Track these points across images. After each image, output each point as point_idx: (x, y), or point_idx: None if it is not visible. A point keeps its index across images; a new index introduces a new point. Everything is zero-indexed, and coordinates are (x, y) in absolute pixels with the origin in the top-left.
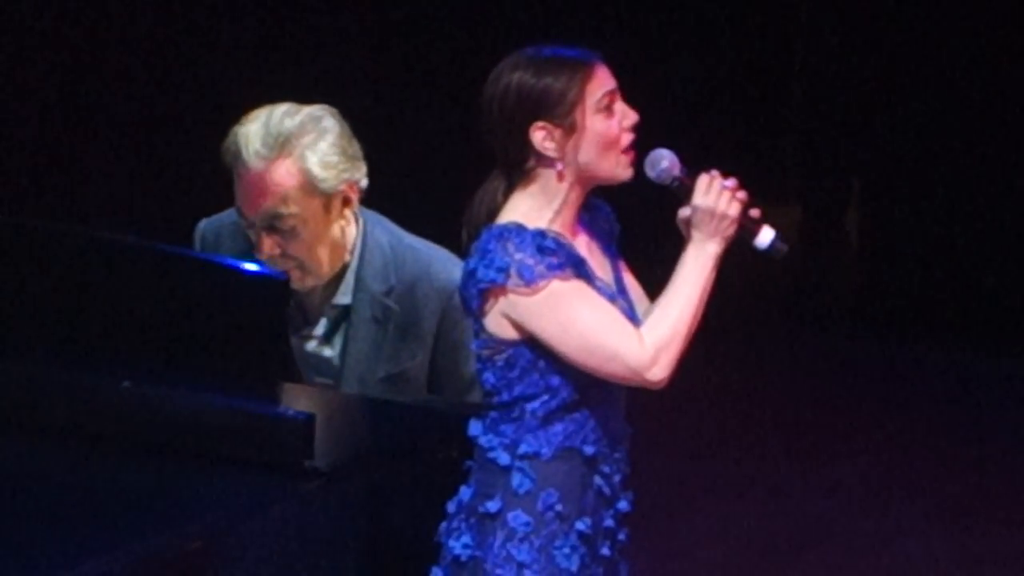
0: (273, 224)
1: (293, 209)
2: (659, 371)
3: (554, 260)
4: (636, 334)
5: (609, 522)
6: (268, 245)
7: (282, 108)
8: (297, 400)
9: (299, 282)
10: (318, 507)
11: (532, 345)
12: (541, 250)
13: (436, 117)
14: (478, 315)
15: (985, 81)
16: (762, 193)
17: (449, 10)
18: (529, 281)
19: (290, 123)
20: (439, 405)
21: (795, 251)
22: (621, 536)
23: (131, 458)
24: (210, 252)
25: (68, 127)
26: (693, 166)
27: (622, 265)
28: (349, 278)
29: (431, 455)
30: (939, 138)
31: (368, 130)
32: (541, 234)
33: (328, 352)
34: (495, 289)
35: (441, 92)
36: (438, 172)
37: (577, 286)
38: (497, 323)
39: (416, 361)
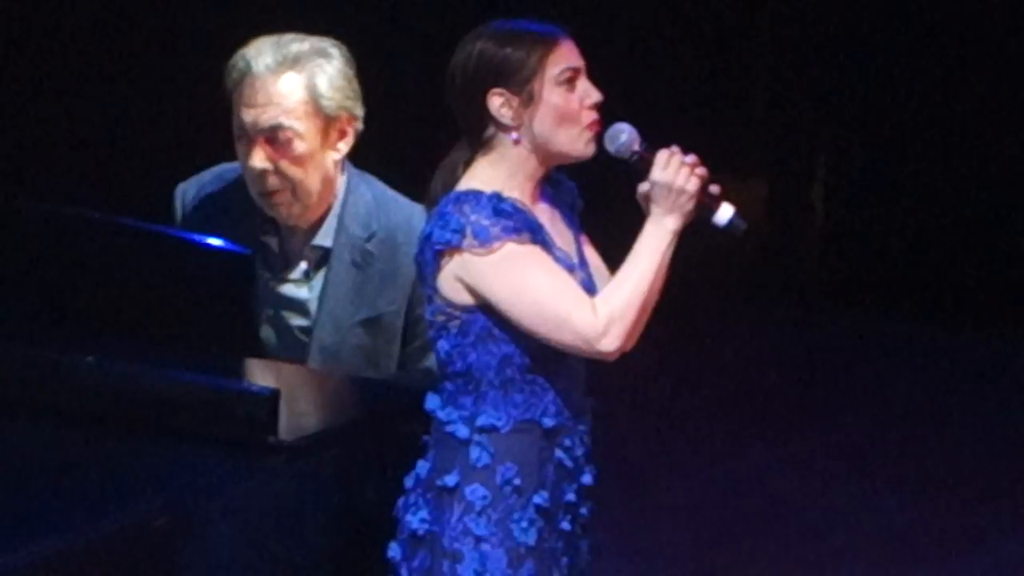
0: (271, 135)
1: (294, 122)
2: (610, 342)
3: (510, 223)
4: (589, 303)
5: (571, 496)
6: (261, 156)
7: (290, 35)
8: (262, 375)
9: (288, 210)
10: (283, 482)
11: (487, 312)
12: (497, 212)
13: (414, 86)
14: (432, 279)
15: (951, 54)
16: (728, 167)
17: None
18: (484, 242)
19: (300, 46)
20: (403, 380)
21: (760, 225)
22: (583, 511)
23: (94, 434)
24: (193, 210)
25: (39, 102)
26: (654, 141)
27: (585, 240)
28: (331, 221)
29: (395, 430)
30: (905, 112)
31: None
32: (498, 197)
33: (306, 294)
34: (449, 250)
35: (420, 62)
36: (415, 141)
37: (532, 251)
38: (451, 287)
39: (393, 307)
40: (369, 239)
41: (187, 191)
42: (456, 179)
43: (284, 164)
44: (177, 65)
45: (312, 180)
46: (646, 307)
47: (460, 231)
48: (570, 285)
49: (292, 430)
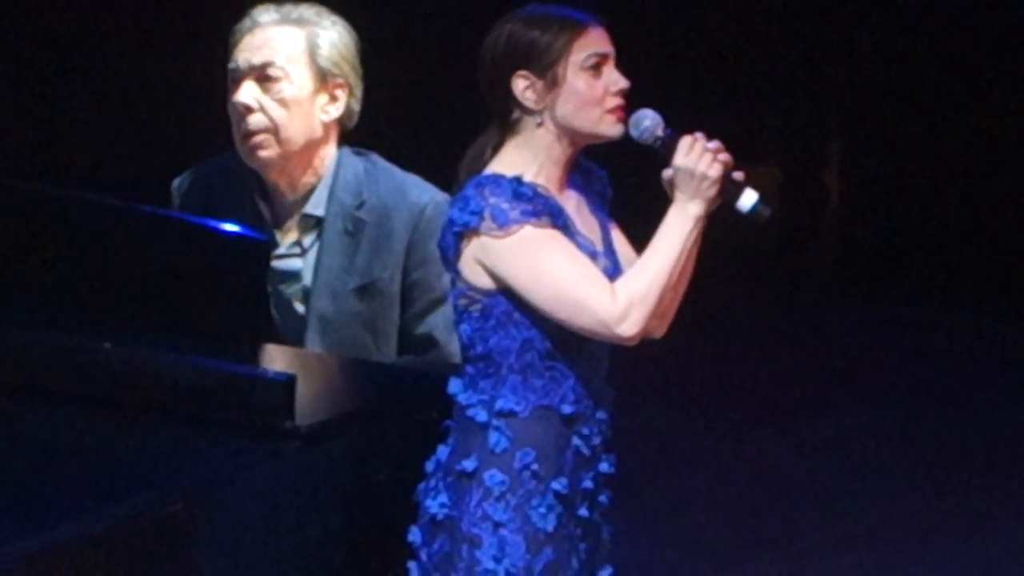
0: (261, 72)
1: (286, 64)
2: (629, 327)
3: (529, 207)
4: (609, 288)
5: (588, 483)
6: (248, 92)
7: (303, 3)
8: (278, 361)
9: (266, 152)
10: (299, 468)
11: (507, 296)
12: (517, 196)
13: (433, 69)
14: (454, 263)
15: (965, 39)
16: (743, 153)
17: None
18: (502, 225)
19: (307, 11)
20: (418, 365)
21: (775, 212)
22: (602, 498)
23: (111, 420)
24: (186, 200)
25: (47, 86)
26: (676, 127)
27: (614, 229)
28: (322, 191)
29: (412, 416)
30: (918, 97)
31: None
32: (518, 180)
33: (299, 264)
34: (468, 233)
35: (440, 44)
36: (429, 123)
37: (552, 234)
38: (471, 270)
39: (387, 274)
40: (360, 207)
41: (181, 184)
42: (484, 163)
43: (269, 103)
44: (185, 59)
45: (295, 127)
46: (668, 292)
47: (479, 214)
48: (589, 269)
49: (308, 416)
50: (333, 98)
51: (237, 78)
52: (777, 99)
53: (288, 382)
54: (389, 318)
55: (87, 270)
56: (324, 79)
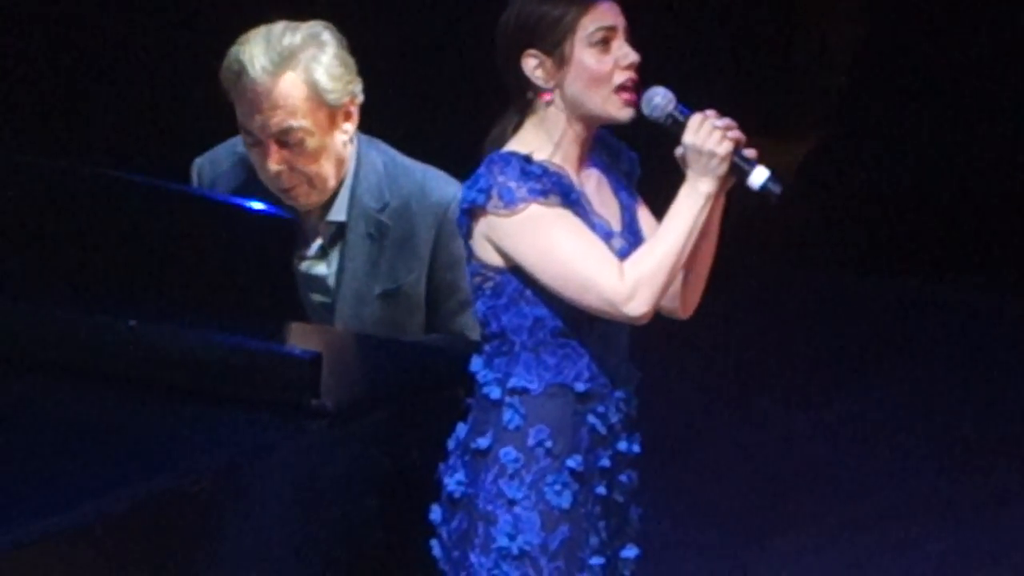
0: (282, 138)
1: (302, 122)
2: (637, 306)
3: (537, 185)
4: (617, 267)
5: (605, 462)
6: (276, 160)
7: (280, 25)
8: (304, 339)
9: (306, 199)
10: (325, 447)
11: (518, 273)
12: (525, 174)
13: (442, 46)
14: (467, 240)
15: (982, 18)
16: (768, 131)
17: None
18: (508, 203)
19: (291, 39)
20: (444, 343)
21: (799, 190)
22: (623, 478)
23: (137, 398)
24: (208, 186)
25: (67, 63)
26: (697, 105)
27: (641, 209)
28: (344, 195)
29: (440, 394)
30: (938, 73)
31: (374, 58)
32: (527, 159)
33: (324, 270)
34: (476, 210)
35: (450, 22)
36: (441, 102)
37: (560, 213)
38: (482, 247)
39: (412, 277)
40: (382, 210)
41: (203, 167)
42: (507, 139)
43: (298, 163)
44: (201, 39)
45: (327, 168)
46: (677, 271)
47: (486, 191)
48: (597, 248)
49: (334, 394)
50: (347, 117)
51: (255, 141)
52: (802, 76)
53: (314, 360)
54: (415, 321)
55: (112, 248)
56: (336, 110)
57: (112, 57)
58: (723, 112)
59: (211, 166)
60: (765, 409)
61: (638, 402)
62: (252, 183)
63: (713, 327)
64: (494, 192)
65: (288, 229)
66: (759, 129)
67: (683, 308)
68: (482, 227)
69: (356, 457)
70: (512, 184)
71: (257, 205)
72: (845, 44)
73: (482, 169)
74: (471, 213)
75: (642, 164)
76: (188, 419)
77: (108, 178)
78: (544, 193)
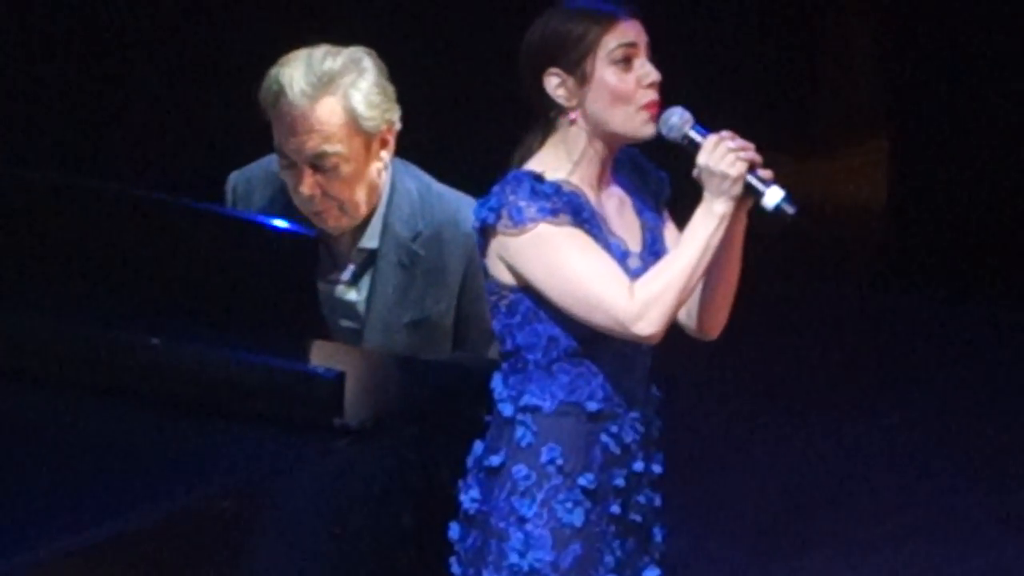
0: (317, 163)
1: (338, 148)
2: (646, 325)
3: (547, 204)
4: (627, 286)
5: (619, 481)
6: (310, 184)
7: (322, 49)
8: (327, 358)
9: (336, 223)
10: (349, 466)
11: (530, 292)
12: (535, 193)
13: (469, 66)
14: (483, 257)
15: (1016, 29)
16: (793, 146)
17: None
18: (517, 222)
19: (332, 63)
20: (467, 362)
21: (824, 205)
22: (640, 498)
23: (160, 416)
24: (242, 202)
25: (100, 83)
26: (708, 126)
27: (668, 232)
28: (376, 223)
29: (461, 412)
30: (968, 90)
31: (401, 79)
32: (538, 177)
33: (354, 296)
34: (487, 229)
35: (477, 44)
36: (471, 123)
37: (570, 232)
38: (495, 265)
39: (441, 307)
40: (415, 239)
41: (237, 184)
42: (525, 160)
43: (332, 188)
44: (233, 57)
45: (360, 194)
46: (687, 291)
47: (496, 210)
48: (607, 267)
49: (358, 412)
50: (384, 144)
51: (290, 163)
52: (828, 90)
53: (338, 379)
54: (441, 350)
55: (137, 266)
56: (373, 138)
57: (146, 75)
58: (746, 129)
59: (245, 182)
60: (790, 427)
61: (661, 424)
62: (286, 201)
63: (736, 345)
64: (504, 211)
65: (311, 247)
66: (783, 146)
67: (709, 329)
68: (494, 246)
69: (379, 475)
70: (522, 203)
71: (280, 223)
72: (870, 61)
73: (496, 188)
74: (483, 232)
75: (675, 184)
76: (211, 438)
77: (132, 196)
78: (554, 212)
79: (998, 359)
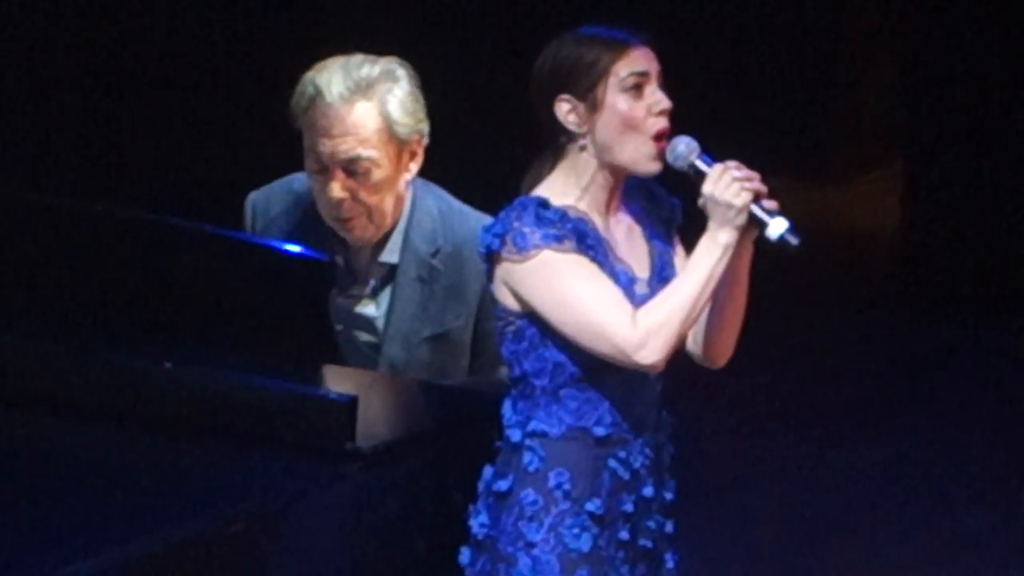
0: (350, 167)
1: (372, 152)
2: (648, 354)
3: (551, 230)
4: (629, 314)
5: (628, 507)
6: (339, 187)
7: (358, 56)
8: (340, 382)
9: (362, 232)
10: (361, 490)
11: (536, 318)
12: (540, 219)
13: (488, 88)
14: (490, 283)
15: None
16: (807, 172)
17: None
18: (521, 248)
19: (370, 70)
20: (480, 387)
21: (840, 230)
22: (650, 524)
23: (174, 440)
24: (261, 219)
25: (115, 107)
26: (723, 152)
27: (678, 258)
28: (396, 238)
29: (474, 437)
30: (981, 116)
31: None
32: (543, 204)
33: (373, 311)
34: (493, 255)
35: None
36: (494, 144)
37: (575, 259)
38: (501, 291)
39: (460, 322)
40: (435, 254)
41: (257, 202)
42: (539, 182)
43: (362, 193)
44: (252, 77)
45: (387, 204)
46: (690, 320)
47: (501, 236)
48: (610, 295)
49: (370, 437)
50: (412, 156)
51: (321, 166)
52: (843, 116)
53: (350, 403)
54: (459, 366)
55: (151, 290)
56: (404, 147)
57: (165, 99)
58: (760, 156)
59: (265, 202)
60: (803, 451)
61: (673, 449)
62: (305, 222)
63: (750, 369)
64: (508, 237)
65: (326, 271)
66: (796, 173)
67: (715, 357)
68: (499, 272)
69: (392, 500)
70: (526, 229)
71: (294, 248)
72: (883, 88)
73: (503, 214)
74: (489, 258)
75: (687, 210)
76: (224, 462)
77: (147, 221)
78: (558, 238)
79: (1012, 384)
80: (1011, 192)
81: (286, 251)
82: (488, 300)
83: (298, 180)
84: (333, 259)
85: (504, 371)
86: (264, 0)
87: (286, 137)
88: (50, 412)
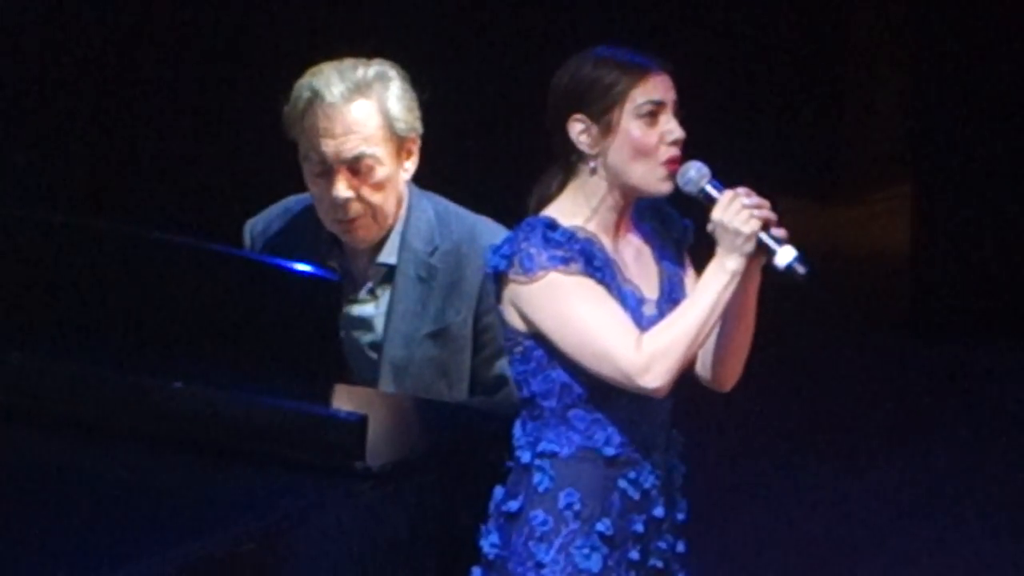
0: (353, 165)
1: (375, 150)
2: (652, 378)
3: (558, 252)
4: (634, 338)
5: (638, 527)
6: (344, 186)
7: (349, 60)
8: (349, 401)
9: (366, 233)
10: (371, 509)
11: (543, 340)
12: (547, 240)
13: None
14: (497, 303)
15: None
16: (817, 194)
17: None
18: (528, 270)
19: (364, 71)
20: (490, 407)
21: (849, 253)
22: (661, 544)
23: (183, 459)
24: (260, 239)
25: (119, 127)
26: (735, 172)
27: (688, 279)
28: (394, 239)
29: (483, 457)
30: (991, 136)
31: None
32: (550, 225)
33: (372, 311)
34: (500, 276)
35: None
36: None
37: (581, 281)
38: (508, 312)
39: (460, 318)
40: (433, 253)
41: (255, 226)
42: (548, 200)
43: (366, 191)
44: (252, 102)
45: (390, 203)
46: (695, 345)
47: (509, 258)
48: (615, 318)
49: (380, 456)
50: (409, 154)
51: (326, 170)
52: (851, 139)
53: (360, 422)
54: (462, 362)
55: (160, 309)
56: (402, 144)
57: (169, 119)
58: (771, 175)
59: (263, 227)
60: (816, 474)
61: (685, 469)
62: (304, 243)
63: (761, 390)
64: (516, 259)
65: (334, 290)
66: (807, 192)
67: (722, 381)
68: (507, 293)
69: (402, 519)
70: (533, 251)
71: (303, 267)
72: (894, 107)
73: (512, 234)
74: (496, 279)
75: (698, 232)
76: (234, 481)
77: (155, 240)
78: (565, 261)
79: (1020, 407)
80: (1022, 211)
81: (296, 270)
82: (487, 293)
83: (294, 202)
84: (342, 278)
85: (506, 372)
86: (269, 14)
87: (286, 147)
88: (61, 431)
